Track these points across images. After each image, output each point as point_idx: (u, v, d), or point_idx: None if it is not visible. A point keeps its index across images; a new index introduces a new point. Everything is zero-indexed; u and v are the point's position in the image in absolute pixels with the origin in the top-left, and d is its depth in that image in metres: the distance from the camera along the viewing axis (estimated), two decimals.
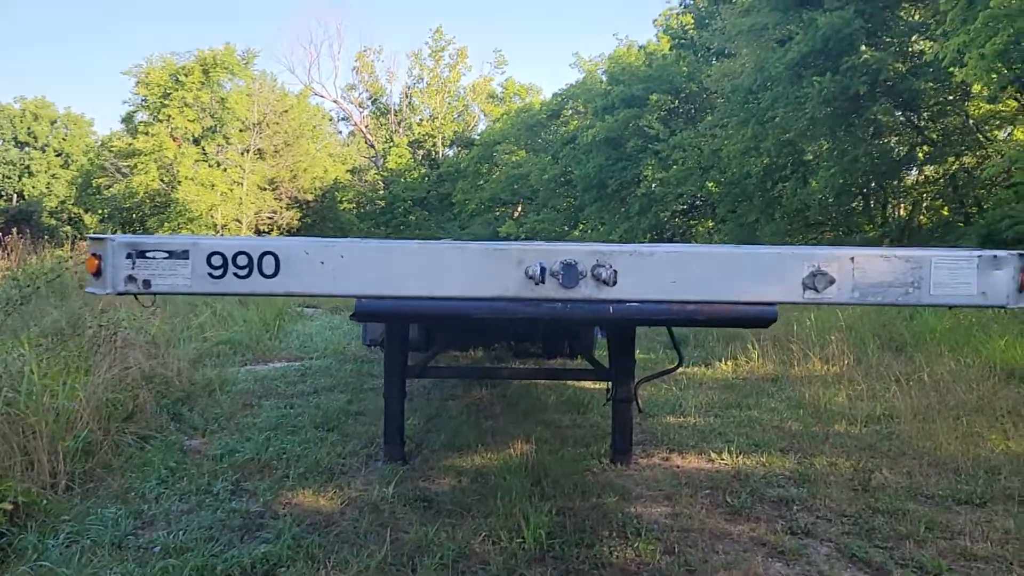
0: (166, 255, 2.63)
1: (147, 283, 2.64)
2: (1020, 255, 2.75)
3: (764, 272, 2.79)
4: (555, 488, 5.11)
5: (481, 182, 44.81)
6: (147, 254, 2.63)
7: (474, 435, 6.39)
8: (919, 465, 5.74)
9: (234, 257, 2.64)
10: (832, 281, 2.70)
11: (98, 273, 2.64)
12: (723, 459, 5.94)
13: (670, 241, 31.21)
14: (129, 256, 2.64)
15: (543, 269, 2.67)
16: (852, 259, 2.72)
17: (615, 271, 2.69)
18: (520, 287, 2.69)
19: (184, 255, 2.65)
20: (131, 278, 2.63)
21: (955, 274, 2.71)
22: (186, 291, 2.69)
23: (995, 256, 2.74)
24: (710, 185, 27.37)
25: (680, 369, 9.77)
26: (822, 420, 7.20)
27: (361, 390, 8.09)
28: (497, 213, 44.92)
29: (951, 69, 14.28)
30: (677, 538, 4.37)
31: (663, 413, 7.50)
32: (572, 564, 4.02)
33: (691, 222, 32.35)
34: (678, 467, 5.80)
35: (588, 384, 7.99)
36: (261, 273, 2.64)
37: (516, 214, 44.07)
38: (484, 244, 2.92)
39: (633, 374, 5.84)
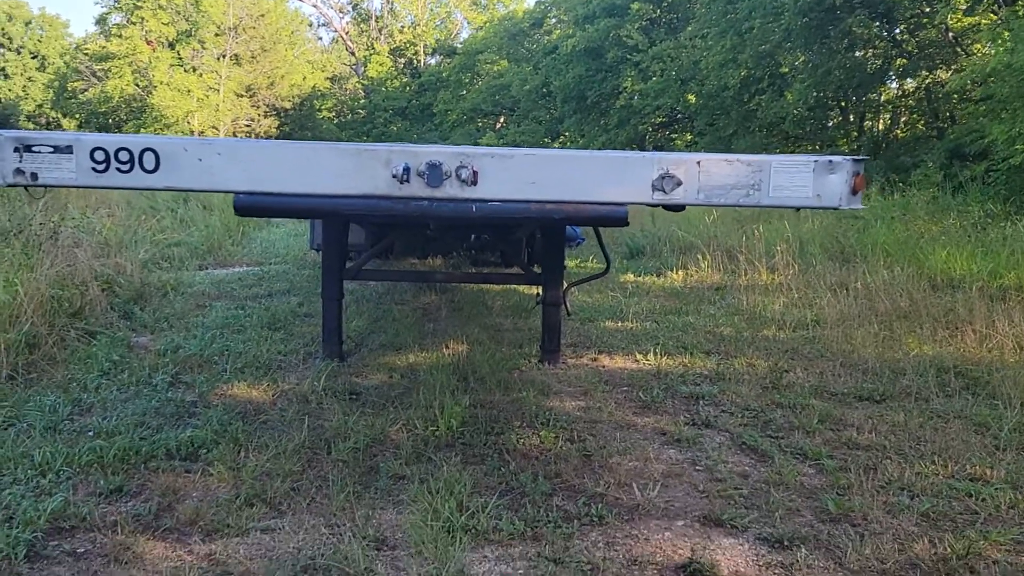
0: (51, 149, 2.80)
1: (34, 175, 2.82)
2: (854, 160, 2.93)
3: (617, 174, 2.97)
4: (479, 384, 5.38)
5: (463, 92, 44.50)
6: (33, 148, 2.80)
7: (413, 336, 6.65)
8: (832, 366, 6.03)
9: (116, 152, 2.81)
10: (679, 183, 2.89)
11: None
12: (648, 360, 6.22)
13: None
14: (16, 150, 2.82)
15: (407, 169, 2.86)
16: (698, 163, 2.91)
17: (475, 171, 2.87)
18: (389, 186, 2.88)
19: (68, 150, 2.82)
20: (19, 171, 2.81)
21: (793, 178, 2.90)
22: (72, 184, 2.87)
23: (830, 161, 2.92)
24: (690, 98, 27.31)
25: (633, 278, 10.08)
26: (754, 326, 7.48)
27: (314, 293, 8.28)
28: (479, 124, 44.73)
29: None
30: (583, 428, 4.66)
31: (603, 318, 7.76)
32: (478, 449, 4.29)
33: (670, 135, 32.32)
34: (603, 367, 6.08)
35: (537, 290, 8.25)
36: (142, 168, 2.82)
37: (498, 126, 43.90)
38: (355, 145, 3.09)
39: (561, 278, 6.08)
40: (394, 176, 2.85)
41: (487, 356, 5.99)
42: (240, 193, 3.17)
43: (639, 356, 6.32)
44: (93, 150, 2.83)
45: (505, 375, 5.62)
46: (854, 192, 2.96)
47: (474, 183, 2.88)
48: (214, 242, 11.33)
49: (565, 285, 6.14)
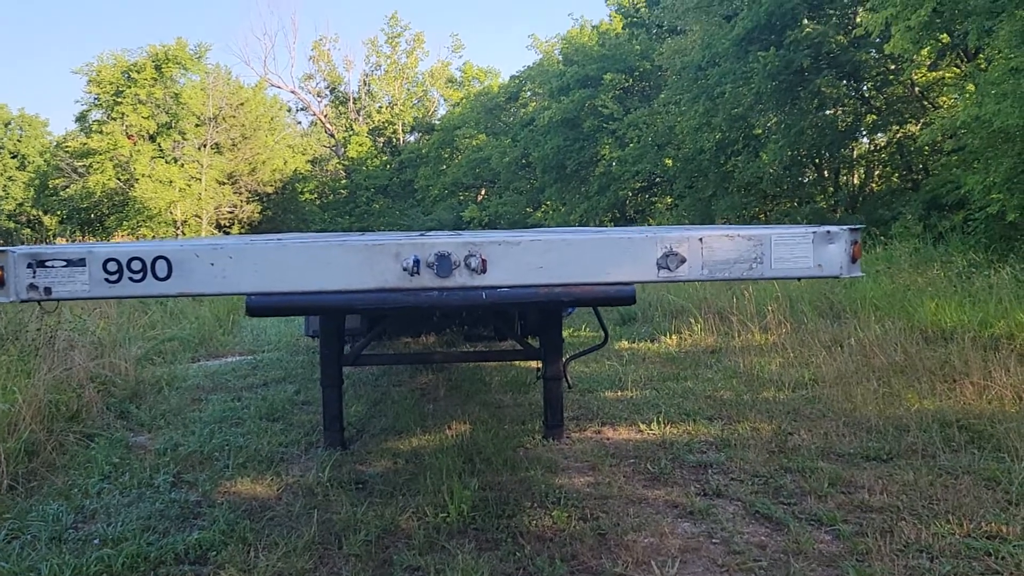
0: (64, 263, 2.82)
1: (48, 290, 2.83)
2: (851, 229, 3.00)
3: (621, 254, 3.02)
4: (486, 465, 5.34)
5: (443, 167, 44.91)
6: (46, 263, 2.82)
7: (414, 419, 6.61)
8: (836, 426, 6.03)
9: (128, 263, 2.84)
10: (683, 260, 2.93)
11: (2, 283, 2.83)
12: (651, 429, 6.21)
13: (631, 219, 31.50)
14: (30, 266, 2.83)
15: (417, 261, 2.89)
16: (701, 239, 2.96)
17: (484, 260, 2.92)
18: (399, 279, 2.91)
19: (81, 263, 2.84)
20: (33, 286, 2.82)
21: (793, 249, 2.96)
22: (85, 296, 2.89)
23: (828, 231, 2.99)
24: (667, 162, 27.68)
25: (628, 345, 10.09)
26: (753, 388, 7.48)
27: (310, 380, 8.27)
28: (460, 197, 45.07)
29: (876, 40, 14.59)
30: (594, 505, 4.62)
31: (603, 388, 7.75)
32: (491, 534, 4.25)
33: (651, 199, 32.66)
34: (608, 439, 6.05)
35: (535, 364, 8.24)
36: (155, 276, 2.84)
37: (480, 198, 44.24)
38: (364, 238, 3.13)
39: (561, 352, 6.08)
40: (404, 269, 2.89)
41: (491, 435, 5.97)
42: (252, 295, 3.20)
43: (642, 426, 6.30)
44: (106, 261, 2.85)
45: (511, 454, 5.59)
46: (853, 260, 3.01)
47: (483, 271, 2.92)
48: (205, 333, 11.29)
49: (565, 358, 6.14)
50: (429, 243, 2.98)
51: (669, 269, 2.94)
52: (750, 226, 2.87)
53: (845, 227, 2.97)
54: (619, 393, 7.56)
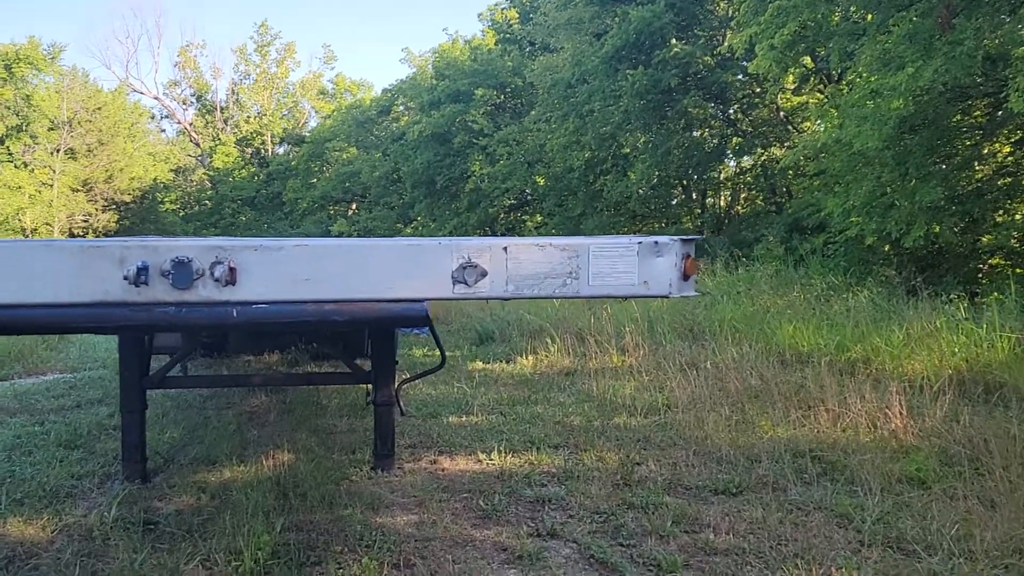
0: None
1: None
2: (683, 240, 2.55)
3: (409, 266, 2.51)
4: (300, 501, 4.76)
5: (313, 180, 43.89)
6: None
7: (232, 447, 5.96)
8: (685, 455, 5.67)
9: None
10: (484, 274, 2.45)
11: None
12: (491, 459, 5.72)
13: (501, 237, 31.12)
14: None
15: (144, 268, 2.31)
16: (505, 249, 2.48)
17: (233, 268, 2.36)
18: (124, 291, 2.33)
19: None
20: None
21: (615, 263, 2.50)
22: None
23: (656, 242, 2.53)
24: (538, 179, 27.49)
25: (482, 366, 9.62)
26: (604, 413, 7.09)
27: None
28: (330, 211, 44.12)
29: (741, 60, 14.67)
30: (413, 549, 4.10)
31: (447, 413, 7.24)
32: None
33: (521, 216, 32.48)
34: (443, 470, 5.54)
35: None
36: None
37: (350, 212, 43.39)
38: (79, 242, 2.54)
39: (393, 375, 5.55)
40: (126, 278, 2.30)
41: (313, 466, 5.38)
42: None
43: (482, 455, 5.81)
44: None
45: (331, 488, 5.01)
46: (685, 277, 2.57)
47: (232, 282, 2.35)
48: (25, 347, 10.29)
49: (398, 382, 5.61)
50: (165, 247, 2.41)
51: (467, 284, 2.45)
52: (563, 237, 2.40)
53: (676, 238, 2.52)
54: (463, 418, 7.06)
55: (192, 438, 6.32)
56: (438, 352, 5.65)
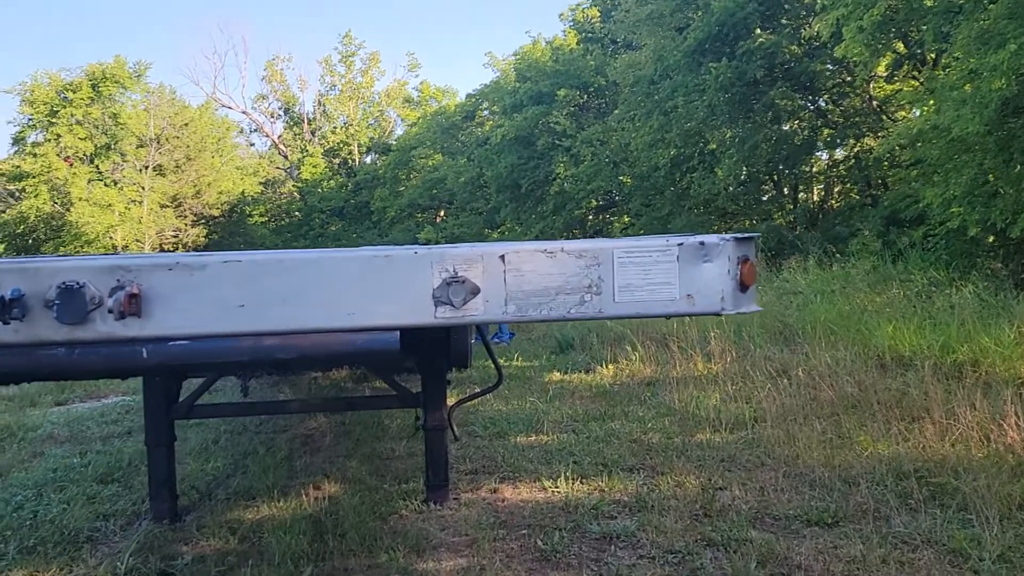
0: None
1: None
2: (736, 239, 1.92)
3: (375, 284, 1.94)
4: (338, 543, 4.30)
5: (400, 188, 43.83)
6: None
7: (277, 477, 5.55)
8: (774, 478, 5.07)
9: None
10: (476, 291, 1.89)
11: None
12: (557, 487, 5.19)
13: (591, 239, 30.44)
14: None
15: (15, 299, 1.81)
16: (502, 258, 1.92)
17: (137, 295, 1.83)
18: None
19: None
20: None
21: (648, 272, 1.90)
22: None
23: (702, 243, 1.89)
24: (624, 179, 26.79)
25: (559, 377, 9.08)
26: (686, 429, 6.51)
27: (179, 426, 7.19)
28: (418, 219, 43.99)
29: (828, 45, 13.82)
30: None
31: (515, 432, 6.73)
32: None
33: (609, 218, 31.76)
34: (502, 501, 5.03)
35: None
36: None
37: (437, 219, 43.22)
38: None
39: (444, 397, 5.04)
40: None
41: (358, 500, 4.93)
42: None
43: (547, 483, 5.27)
44: None
45: (375, 525, 4.54)
46: (743, 287, 1.95)
47: (136, 313, 1.83)
48: None
49: (450, 404, 5.11)
50: (49, 269, 1.92)
51: (452, 305, 1.88)
52: (586, 240, 1.81)
53: (727, 237, 1.89)
54: (532, 438, 6.54)
55: (236, 468, 5.93)
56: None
